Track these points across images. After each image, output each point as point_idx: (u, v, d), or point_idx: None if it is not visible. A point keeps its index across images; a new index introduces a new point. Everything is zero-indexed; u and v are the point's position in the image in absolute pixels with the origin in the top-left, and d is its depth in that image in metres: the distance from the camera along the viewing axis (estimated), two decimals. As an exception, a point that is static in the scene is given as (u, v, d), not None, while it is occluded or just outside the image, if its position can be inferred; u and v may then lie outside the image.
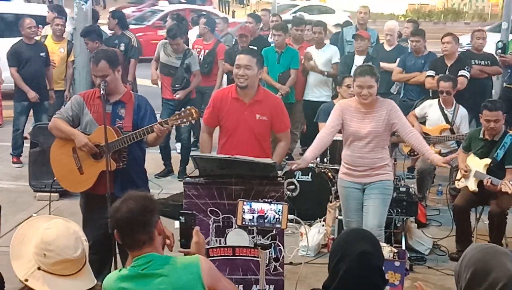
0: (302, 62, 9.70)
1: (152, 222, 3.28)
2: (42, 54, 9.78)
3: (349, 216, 6.08)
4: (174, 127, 8.73)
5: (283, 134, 6.12)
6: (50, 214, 5.94)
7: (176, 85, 9.03)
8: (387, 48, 10.30)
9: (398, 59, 9.83)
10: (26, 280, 2.88)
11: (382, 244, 5.64)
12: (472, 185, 6.86)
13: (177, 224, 4.55)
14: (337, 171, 7.58)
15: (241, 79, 5.82)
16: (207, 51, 10.23)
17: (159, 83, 9.59)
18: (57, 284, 2.86)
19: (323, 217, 7.35)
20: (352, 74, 8.73)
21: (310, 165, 7.87)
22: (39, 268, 2.89)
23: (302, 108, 10.12)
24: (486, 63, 9.62)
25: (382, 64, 9.67)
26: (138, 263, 3.22)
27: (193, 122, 5.38)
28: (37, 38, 10.40)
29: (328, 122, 6.07)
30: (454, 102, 8.31)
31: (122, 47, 9.78)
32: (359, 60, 9.35)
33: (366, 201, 5.94)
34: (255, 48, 9.92)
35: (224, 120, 5.97)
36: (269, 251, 4.21)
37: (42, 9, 13.28)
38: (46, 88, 9.90)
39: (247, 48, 6.23)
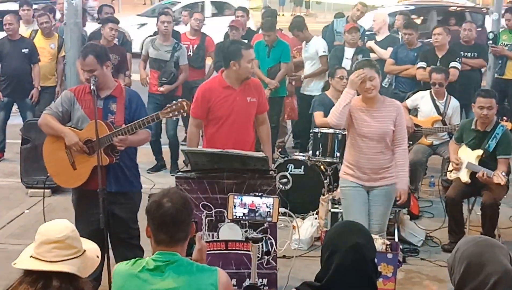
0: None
1: (190, 222, 3.31)
2: (24, 50, 9.67)
3: (355, 217, 5.53)
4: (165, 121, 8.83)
5: (264, 115, 6.31)
6: (43, 210, 5.91)
7: (163, 79, 8.96)
8: (378, 38, 10.30)
9: (389, 48, 9.84)
10: (15, 263, 2.95)
11: (374, 236, 5.63)
12: (464, 177, 6.87)
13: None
14: (329, 164, 7.64)
15: (251, 72, 6.17)
16: (195, 45, 10.15)
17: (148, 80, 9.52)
18: (34, 264, 2.90)
19: (316, 210, 7.36)
20: (343, 66, 8.78)
21: (302, 158, 7.91)
22: (31, 256, 2.94)
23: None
24: (472, 55, 9.60)
25: (373, 55, 9.70)
26: (161, 258, 3.22)
27: (185, 114, 5.38)
28: (28, 33, 10.36)
29: None
30: (446, 93, 8.31)
31: (115, 42, 9.72)
32: (349, 52, 9.35)
33: (371, 206, 5.75)
34: (246, 41, 9.93)
35: (216, 109, 6.02)
36: (260, 245, 4.21)
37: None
38: (29, 85, 9.79)
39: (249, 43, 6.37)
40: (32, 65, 9.78)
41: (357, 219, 5.70)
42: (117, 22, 9.47)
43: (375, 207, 5.75)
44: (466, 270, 2.80)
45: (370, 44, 10.17)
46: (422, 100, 8.37)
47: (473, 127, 6.96)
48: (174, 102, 5.26)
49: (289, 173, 7.76)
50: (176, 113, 5.22)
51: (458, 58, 8.94)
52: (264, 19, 10.00)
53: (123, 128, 5.13)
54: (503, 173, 6.52)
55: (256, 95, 6.13)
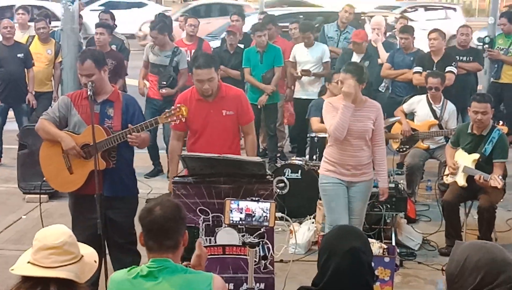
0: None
1: (181, 230, 3.32)
2: (19, 55, 9.67)
3: (339, 212, 5.91)
4: (162, 126, 8.81)
5: (248, 126, 6.12)
6: (40, 216, 5.91)
7: (163, 82, 8.96)
8: (375, 44, 10.29)
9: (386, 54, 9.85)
10: (12, 269, 2.96)
11: (372, 240, 5.66)
12: (461, 180, 6.88)
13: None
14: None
15: (208, 91, 5.78)
16: (193, 50, 10.13)
17: (145, 92, 9.47)
18: (32, 270, 2.91)
19: (313, 215, 7.36)
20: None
21: (299, 162, 7.91)
22: (28, 262, 2.95)
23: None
24: (468, 59, 9.62)
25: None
26: (154, 265, 3.26)
27: (183, 119, 5.38)
28: (24, 38, 10.35)
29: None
30: (442, 98, 8.34)
31: (113, 48, 9.71)
32: (356, 58, 9.33)
33: (351, 202, 5.95)
34: (242, 46, 9.93)
35: (190, 122, 5.89)
36: (257, 249, 4.21)
37: None
38: (25, 90, 9.79)
39: (202, 58, 5.94)
40: (26, 69, 9.76)
41: (340, 215, 5.89)
42: (107, 27, 9.42)
43: (355, 203, 5.97)
44: (483, 279, 2.72)
45: (378, 44, 10.11)
46: (418, 104, 8.40)
47: (469, 131, 6.97)
48: (172, 107, 5.28)
49: (286, 178, 7.76)
50: (175, 118, 5.26)
51: (454, 63, 8.99)
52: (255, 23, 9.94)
53: (122, 132, 5.14)
54: (500, 177, 6.53)
55: (234, 107, 5.91)
